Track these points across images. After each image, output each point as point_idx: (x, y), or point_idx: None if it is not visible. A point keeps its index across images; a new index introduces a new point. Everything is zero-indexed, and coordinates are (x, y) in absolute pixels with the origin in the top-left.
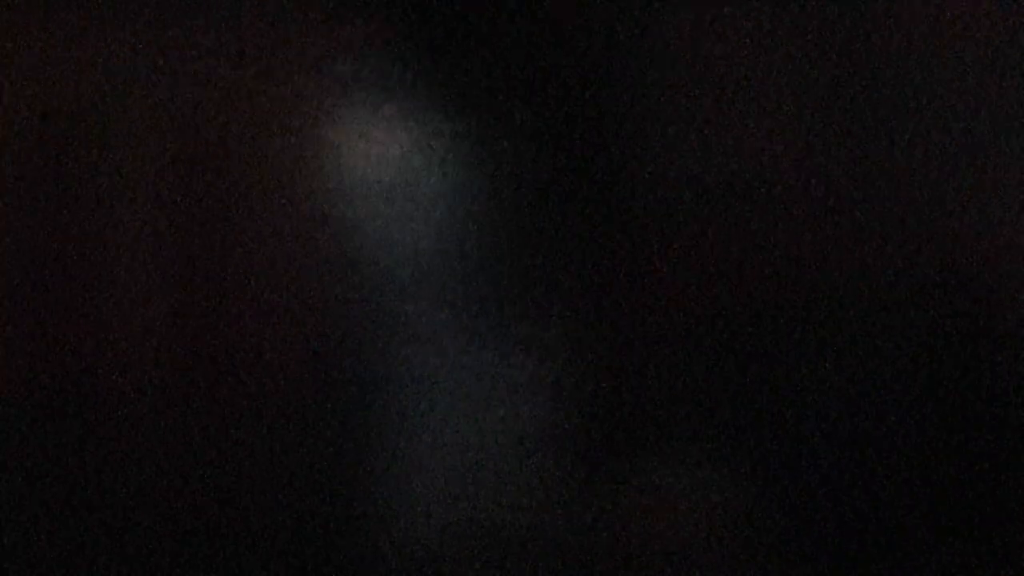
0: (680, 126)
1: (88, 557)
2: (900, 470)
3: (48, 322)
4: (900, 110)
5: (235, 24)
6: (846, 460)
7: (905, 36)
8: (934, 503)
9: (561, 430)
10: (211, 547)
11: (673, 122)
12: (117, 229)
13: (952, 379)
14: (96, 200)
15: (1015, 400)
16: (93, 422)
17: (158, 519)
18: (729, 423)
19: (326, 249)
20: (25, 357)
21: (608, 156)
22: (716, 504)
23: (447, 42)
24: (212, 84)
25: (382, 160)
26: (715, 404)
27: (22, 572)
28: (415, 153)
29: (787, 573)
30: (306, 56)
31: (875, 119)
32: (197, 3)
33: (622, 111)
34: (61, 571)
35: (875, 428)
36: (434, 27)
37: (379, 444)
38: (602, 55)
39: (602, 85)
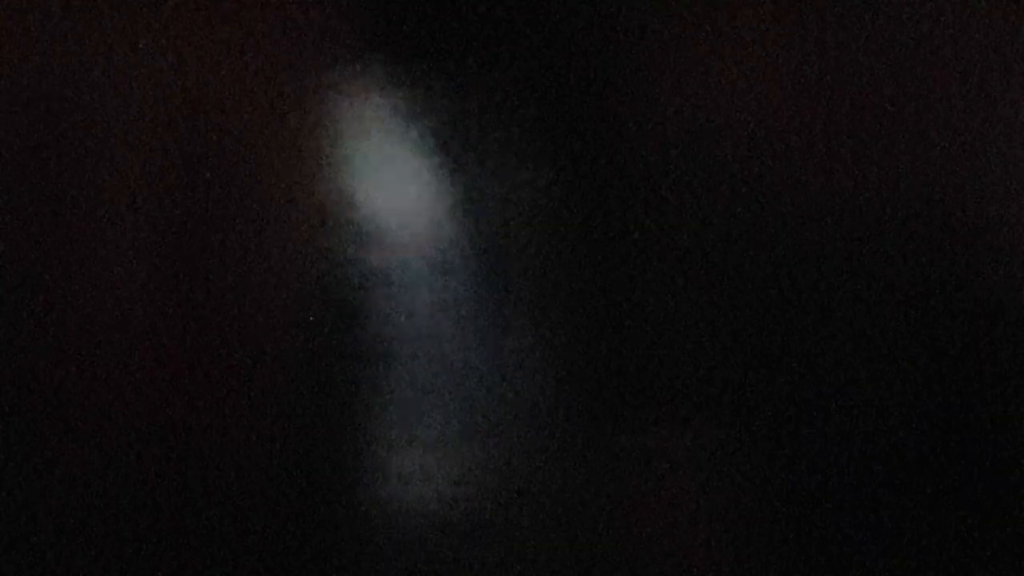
0: (676, 86)
1: (84, 547)
2: (897, 437)
3: (44, 317)
4: (898, 62)
5: (237, 21)
6: (842, 428)
7: None
8: (932, 460)
9: (558, 404)
10: (208, 530)
11: (668, 83)
12: (113, 224)
13: (952, 343)
14: (92, 197)
15: (1012, 364)
16: (89, 418)
17: (155, 512)
18: (725, 392)
19: (325, 240)
20: (20, 351)
21: (600, 129)
22: (711, 479)
23: (444, 37)
24: (212, 80)
25: (378, 155)
26: (711, 372)
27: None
28: (409, 148)
29: (779, 540)
30: (306, 54)
31: (873, 72)
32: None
33: (614, 71)
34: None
35: (872, 394)
36: (432, 25)
37: (379, 427)
38: (594, 16)
39: (595, 48)
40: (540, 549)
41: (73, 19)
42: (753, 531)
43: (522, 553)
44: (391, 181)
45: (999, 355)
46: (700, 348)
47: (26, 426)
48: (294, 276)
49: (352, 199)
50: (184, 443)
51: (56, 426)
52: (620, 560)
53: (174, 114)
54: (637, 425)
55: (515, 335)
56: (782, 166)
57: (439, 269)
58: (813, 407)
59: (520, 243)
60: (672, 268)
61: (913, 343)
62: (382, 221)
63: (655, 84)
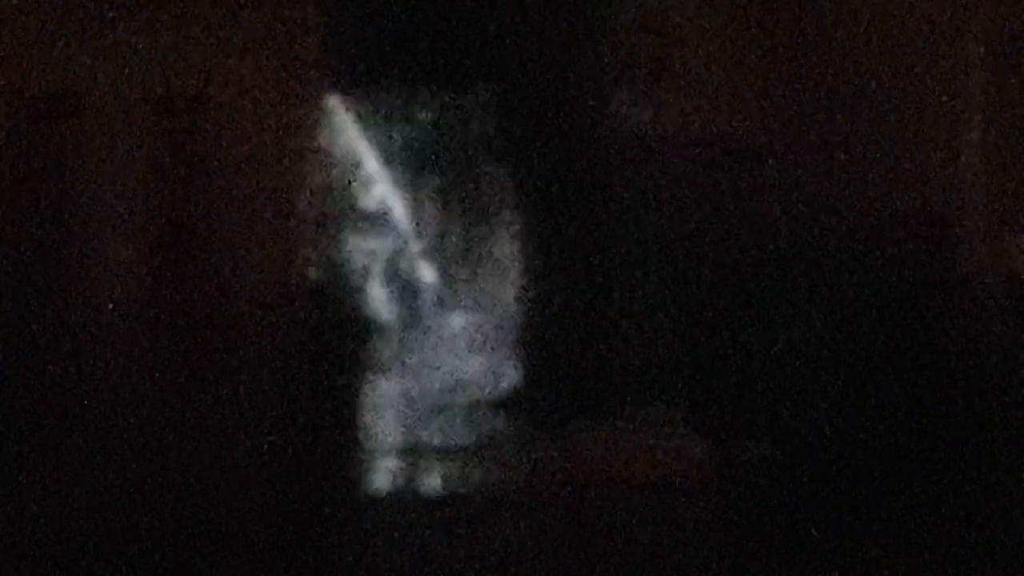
0: (645, 82)
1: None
2: (866, 421)
3: (44, 316)
4: (866, 72)
5: (237, 21)
6: (811, 421)
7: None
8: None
9: (527, 389)
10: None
11: (637, 79)
12: (112, 224)
13: (917, 325)
14: (92, 197)
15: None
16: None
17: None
18: (687, 382)
19: (323, 238)
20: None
21: (575, 119)
22: (671, 461)
23: (434, 45)
24: (210, 80)
25: (375, 154)
26: (676, 361)
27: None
28: (405, 148)
29: (743, 525)
30: (305, 55)
31: (842, 81)
32: None
33: (590, 71)
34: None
35: (844, 384)
36: (423, 33)
37: (375, 423)
38: (570, 17)
39: (569, 46)
40: (505, 499)
41: (74, 20)
42: (721, 515)
43: (488, 502)
44: (387, 179)
45: (955, 293)
46: (661, 342)
47: (26, 426)
48: (292, 274)
49: (349, 197)
50: (183, 440)
51: (56, 425)
52: (573, 512)
53: (173, 114)
54: (608, 414)
55: (501, 329)
56: (748, 173)
57: (431, 265)
58: (771, 400)
59: (507, 243)
60: (637, 267)
61: (878, 345)
62: (378, 218)
63: (622, 95)
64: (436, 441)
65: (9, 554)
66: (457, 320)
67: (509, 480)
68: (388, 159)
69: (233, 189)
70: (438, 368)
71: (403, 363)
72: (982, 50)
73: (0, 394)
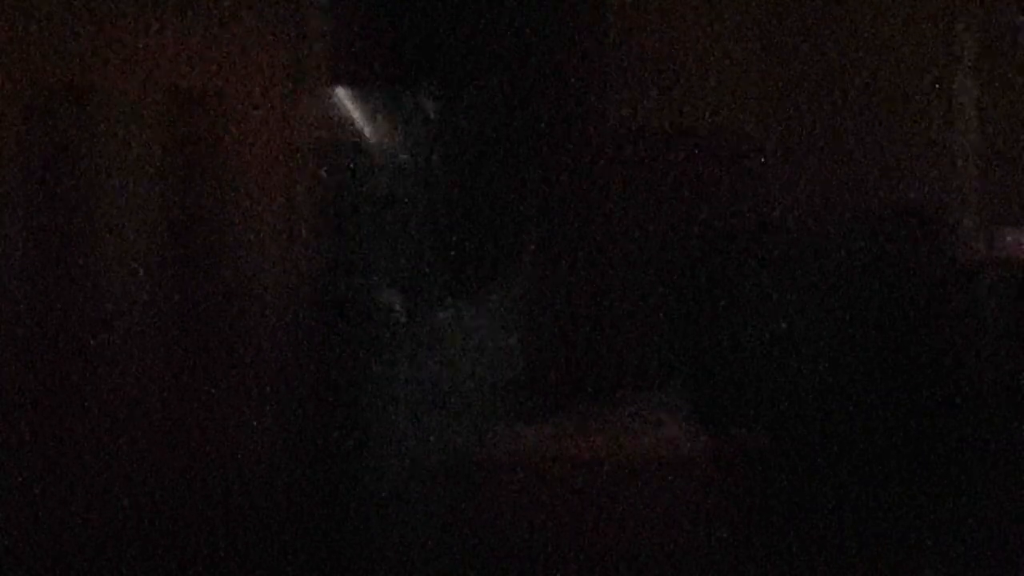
0: (643, 78)
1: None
2: (857, 412)
3: (44, 317)
4: (863, 68)
5: (237, 21)
6: (808, 411)
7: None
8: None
9: (528, 377)
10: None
11: (635, 74)
12: (113, 223)
13: (906, 314)
14: (91, 196)
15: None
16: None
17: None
18: (686, 372)
19: (323, 238)
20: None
21: (569, 113)
22: (671, 447)
23: (433, 43)
24: (212, 80)
25: (375, 151)
26: (674, 352)
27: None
28: (404, 146)
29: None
30: (304, 53)
31: (837, 73)
32: None
33: (585, 64)
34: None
35: (841, 375)
36: (423, 32)
37: (374, 420)
38: (571, 15)
39: (564, 38)
40: (507, 478)
41: (73, 19)
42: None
43: (485, 482)
44: (388, 176)
45: (945, 282)
46: (660, 332)
47: (26, 425)
48: (291, 273)
49: (355, 190)
50: (183, 438)
51: (56, 424)
52: (575, 498)
53: (173, 113)
54: (598, 377)
55: (503, 319)
56: (747, 168)
57: (434, 258)
58: (769, 390)
59: (509, 236)
60: (637, 259)
61: (868, 294)
62: (377, 217)
63: (618, 89)
64: (439, 429)
65: (9, 554)
66: (459, 311)
67: (510, 467)
68: (393, 154)
69: (242, 180)
70: (441, 358)
71: (407, 354)
72: (976, 46)
73: (4, 388)
